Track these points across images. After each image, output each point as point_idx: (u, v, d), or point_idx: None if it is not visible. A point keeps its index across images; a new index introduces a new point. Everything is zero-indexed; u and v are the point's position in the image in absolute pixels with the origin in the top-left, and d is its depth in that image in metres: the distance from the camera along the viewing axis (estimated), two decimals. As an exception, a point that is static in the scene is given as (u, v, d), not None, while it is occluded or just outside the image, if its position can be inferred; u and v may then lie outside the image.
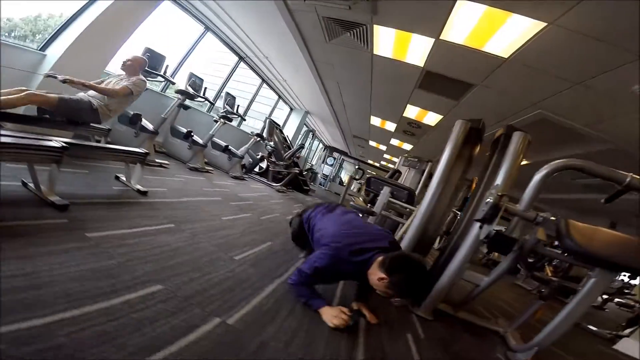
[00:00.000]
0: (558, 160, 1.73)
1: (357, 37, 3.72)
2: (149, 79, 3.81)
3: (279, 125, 6.57)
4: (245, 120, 6.16)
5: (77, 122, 2.69)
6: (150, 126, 3.61)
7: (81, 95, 2.71)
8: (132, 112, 3.55)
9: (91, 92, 2.75)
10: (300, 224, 2.12)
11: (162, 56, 3.93)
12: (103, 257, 1.33)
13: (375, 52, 3.89)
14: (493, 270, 2.09)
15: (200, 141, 4.41)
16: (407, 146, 8.39)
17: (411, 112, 5.43)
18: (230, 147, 5.11)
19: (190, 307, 1.24)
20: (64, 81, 2.56)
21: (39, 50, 3.24)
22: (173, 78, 4.83)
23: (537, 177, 1.78)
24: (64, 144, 1.74)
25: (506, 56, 2.90)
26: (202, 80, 4.74)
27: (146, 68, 3.52)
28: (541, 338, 1.81)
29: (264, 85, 7.65)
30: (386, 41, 3.55)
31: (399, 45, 3.51)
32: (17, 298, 0.93)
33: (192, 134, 4.35)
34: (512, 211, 1.75)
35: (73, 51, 3.21)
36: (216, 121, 4.92)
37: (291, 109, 9.59)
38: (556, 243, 1.89)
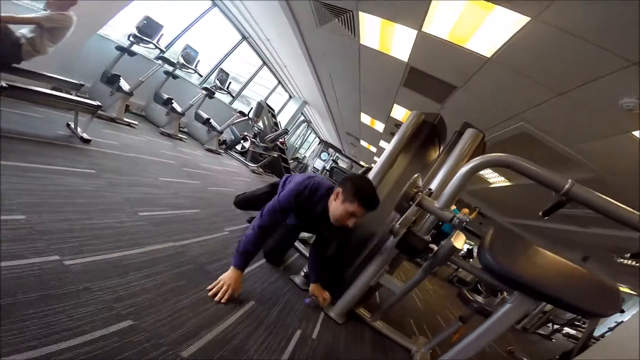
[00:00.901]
0: (485, 156, 1.56)
1: (345, 24, 3.62)
2: (141, 44, 3.85)
3: (272, 110, 6.48)
4: (234, 98, 6.10)
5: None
6: (127, 87, 3.62)
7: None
8: (111, 72, 3.62)
9: (27, 28, 2.40)
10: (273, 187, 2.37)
11: (159, 25, 3.94)
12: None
13: (362, 42, 3.79)
14: (410, 279, 1.94)
15: (179, 109, 4.36)
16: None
17: (398, 112, 5.29)
18: (212, 120, 5.06)
19: (38, 241, 1.17)
20: None
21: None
22: (168, 47, 4.83)
23: (460, 173, 1.61)
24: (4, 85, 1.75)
25: (489, 55, 2.73)
26: (197, 52, 4.75)
27: (138, 34, 3.63)
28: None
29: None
30: (372, 30, 3.46)
31: (384, 36, 3.42)
32: None
33: (172, 101, 4.32)
34: (427, 207, 1.59)
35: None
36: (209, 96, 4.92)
37: (290, 97, 9.52)
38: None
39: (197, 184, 3.02)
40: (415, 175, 1.64)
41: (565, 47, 2.21)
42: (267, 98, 8.25)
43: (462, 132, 2.16)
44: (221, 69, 5.43)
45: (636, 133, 2.62)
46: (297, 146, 12.13)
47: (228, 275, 1.50)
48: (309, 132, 13.29)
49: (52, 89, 2.70)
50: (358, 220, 1.61)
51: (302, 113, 10.47)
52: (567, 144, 3.26)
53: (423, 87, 3.90)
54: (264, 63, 7.38)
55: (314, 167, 9.84)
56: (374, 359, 1.79)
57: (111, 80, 3.62)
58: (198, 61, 4.76)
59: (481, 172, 4.18)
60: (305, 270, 2.10)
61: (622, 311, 4.72)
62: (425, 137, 2.38)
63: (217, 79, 5.20)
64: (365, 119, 6.94)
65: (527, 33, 2.29)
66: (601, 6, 1.80)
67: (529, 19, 2.18)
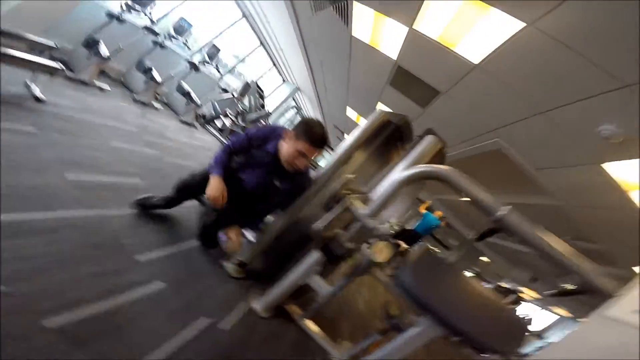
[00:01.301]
0: (422, 166, 1.50)
1: (338, 13, 3.52)
2: (132, 12, 3.78)
3: (261, 91, 6.37)
4: (221, 74, 5.97)
5: None
6: (105, 53, 3.53)
7: None
8: (92, 37, 3.53)
9: None
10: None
11: None
12: None
13: (353, 33, 3.69)
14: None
15: (158, 79, 4.26)
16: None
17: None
18: (192, 93, 4.94)
19: None
20: None
21: None
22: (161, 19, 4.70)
23: (393, 180, 1.54)
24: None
25: (477, 61, 2.63)
26: (190, 25, 4.69)
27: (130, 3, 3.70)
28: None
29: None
30: (364, 22, 3.37)
31: (376, 29, 3.33)
32: None
33: (151, 69, 4.20)
34: (353, 211, 1.52)
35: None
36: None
37: (283, 80, 9.44)
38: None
39: (153, 153, 2.94)
40: (351, 176, 1.58)
41: (557, 60, 2.08)
42: (259, 79, 8.12)
43: (422, 136, 2.10)
44: (213, 45, 5.31)
45: (605, 165, 2.57)
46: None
47: (215, 185, 1.66)
48: (297, 118, 13.06)
49: (28, 48, 2.66)
50: (307, 162, 1.69)
51: (293, 98, 10.31)
52: (536, 167, 3.22)
53: (408, 88, 3.82)
54: (261, 43, 7.26)
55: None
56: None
57: (90, 44, 3.54)
58: (190, 34, 4.68)
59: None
60: (239, 258, 2.00)
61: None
62: (387, 139, 2.30)
63: (207, 53, 5.09)
64: (351, 113, 6.83)
65: (520, 40, 2.16)
66: (604, 18, 1.68)
67: (524, 24, 2.04)
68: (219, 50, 5.36)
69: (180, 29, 4.69)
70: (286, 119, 11.79)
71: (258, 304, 1.82)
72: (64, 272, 1.19)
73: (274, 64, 8.37)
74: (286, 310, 1.93)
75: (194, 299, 1.55)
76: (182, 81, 4.82)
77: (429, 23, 2.69)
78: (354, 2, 3.14)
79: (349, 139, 2.22)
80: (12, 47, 2.29)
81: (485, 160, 3.69)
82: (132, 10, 3.89)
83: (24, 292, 1.03)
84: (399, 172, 1.84)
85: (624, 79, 1.85)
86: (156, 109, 4.45)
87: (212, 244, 1.96)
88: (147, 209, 1.88)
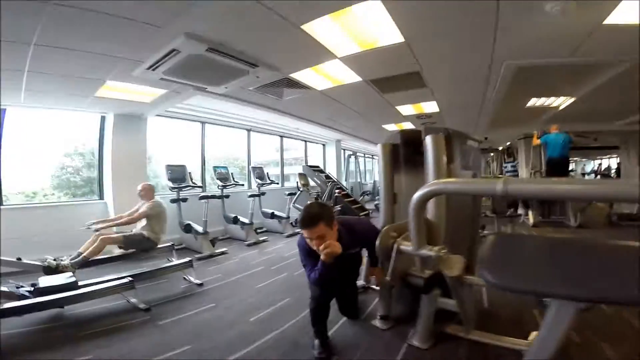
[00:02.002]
0: (424, 190, 1.50)
1: (294, 87, 4.18)
2: (182, 188, 4.94)
3: (317, 167, 7.18)
4: (277, 184, 7.04)
5: (142, 250, 3.68)
6: (199, 229, 4.70)
7: (136, 229, 3.73)
8: (184, 222, 4.79)
9: (139, 225, 3.73)
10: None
11: (181, 167, 5.03)
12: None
13: (319, 89, 4.26)
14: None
15: (246, 220, 5.40)
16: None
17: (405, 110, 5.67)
18: (275, 212, 6.01)
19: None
20: (96, 230, 3.44)
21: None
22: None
23: (411, 208, 1.58)
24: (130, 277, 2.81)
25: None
26: (226, 168, 5.80)
27: (170, 182, 4.79)
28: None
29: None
30: (316, 79, 3.90)
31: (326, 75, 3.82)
32: None
33: (238, 218, 5.38)
34: (405, 252, 1.83)
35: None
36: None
37: (323, 145, 10.26)
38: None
39: (284, 276, 3.73)
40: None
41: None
42: (306, 162, 9.23)
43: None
44: (253, 168, 6.40)
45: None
46: (359, 181, 12.19)
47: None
48: (358, 163, 12.96)
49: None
50: (320, 242, 1.82)
51: (343, 150, 10.94)
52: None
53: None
54: (281, 137, 8.53)
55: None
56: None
57: (187, 229, 4.79)
58: (231, 173, 5.79)
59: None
60: (379, 314, 2.40)
61: None
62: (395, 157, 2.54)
63: (257, 178, 6.19)
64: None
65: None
66: None
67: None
68: (262, 167, 6.41)
69: (223, 176, 5.61)
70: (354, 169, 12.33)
71: (414, 340, 2.06)
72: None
73: (305, 141, 9.48)
74: (447, 335, 2.08)
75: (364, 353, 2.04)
76: (262, 209, 5.94)
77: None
78: (294, 74, 3.69)
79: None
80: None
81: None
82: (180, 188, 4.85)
83: None
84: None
85: None
86: (265, 240, 5.50)
87: (352, 314, 2.46)
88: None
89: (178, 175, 4.93)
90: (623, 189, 1.03)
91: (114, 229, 3.79)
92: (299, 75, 3.68)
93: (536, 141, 6.47)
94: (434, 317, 2.02)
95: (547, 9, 2.16)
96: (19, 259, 3.01)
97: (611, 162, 14.68)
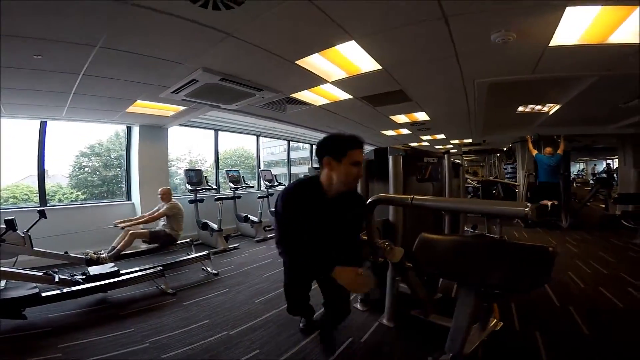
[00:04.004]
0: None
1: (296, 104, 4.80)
2: (200, 191, 5.64)
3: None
4: (285, 185, 7.63)
5: (163, 244, 4.30)
6: (215, 226, 5.36)
7: (159, 227, 4.40)
8: (202, 221, 5.44)
9: (161, 223, 4.39)
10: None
11: (198, 171, 5.75)
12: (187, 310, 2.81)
13: (318, 104, 4.78)
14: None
15: (255, 219, 6.02)
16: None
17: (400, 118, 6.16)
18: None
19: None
20: (122, 228, 4.15)
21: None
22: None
23: None
24: (161, 267, 3.45)
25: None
26: (237, 171, 6.48)
27: (188, 185, 5.44)
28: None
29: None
30: (312, 97, 4.40)
31: (322, 93, 4.30)
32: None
33: (248, 217, 6.01)
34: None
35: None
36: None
37: None
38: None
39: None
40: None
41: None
42: (312, 164, 9.83)
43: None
44: (262, 170, 7.07)
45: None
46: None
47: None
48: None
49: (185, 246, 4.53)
50: (360, 170, 1.69)
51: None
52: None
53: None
54: (288, 141, 9.22)
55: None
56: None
57: (204, 227, 5.48)
58: (243, 177, 6.46)
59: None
60: (360, 298, 2.94)
61: None
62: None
63: (265, 180, 6.81)
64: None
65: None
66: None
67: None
68: (269, 170, 7.04)
69: (235, 179, 6.38)
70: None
71: (384, 320, 2.59)
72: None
73: (311, 144, 10.14)
74: (412, 317, 2.52)
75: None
76: (269, 209, 6.56)
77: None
78: (294, 95, 4.45)
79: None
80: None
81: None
82: (197, 190, 5.62)
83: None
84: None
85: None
86: (273, 237, 6.08)
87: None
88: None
89: (195, 178, 5.59)
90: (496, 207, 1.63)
91: (141, 225, 4.45)
92: (299, 95, 4.20)
93: (531, 146, 6.83)
94: (403, 302, 2.56)
95: (492, 39, 2.57)
96: (66, 252, 3.66)
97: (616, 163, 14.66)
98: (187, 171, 5.60)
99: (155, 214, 4.39)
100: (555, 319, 2.60)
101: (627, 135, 7.37)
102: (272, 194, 6.77)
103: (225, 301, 3.17)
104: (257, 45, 2.63)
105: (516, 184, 8.37)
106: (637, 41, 2.50)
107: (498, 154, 13.65)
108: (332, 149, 1.66)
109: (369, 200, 2.12)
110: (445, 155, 3.10)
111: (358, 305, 2.91)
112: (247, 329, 2.57)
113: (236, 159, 10.15)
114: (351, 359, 2.15)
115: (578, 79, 3.92)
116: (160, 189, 4.56)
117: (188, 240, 4.62)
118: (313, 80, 3.56)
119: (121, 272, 3.32)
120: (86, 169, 6.26)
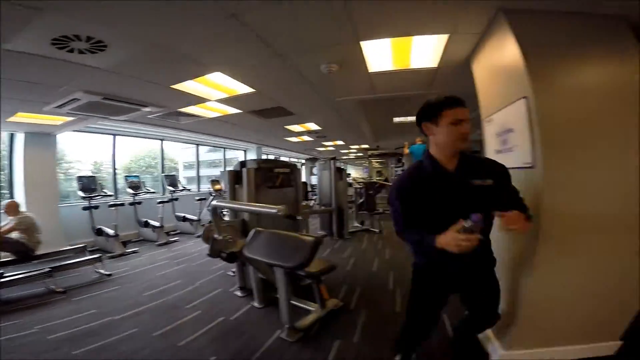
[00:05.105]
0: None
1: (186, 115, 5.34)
2: (93, 198, 5.70)
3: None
4: (189, 190, 8.03)
5: (17, 253, 4.17)
6: (111, 232, 5.56)
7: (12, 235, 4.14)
8: (96, 227, 5.61)
9: (16, 235, 4.14)
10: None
11: (91, 178, 5.85)
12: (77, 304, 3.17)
13: (209, 117, 5.38)
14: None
15: (157, 224, 6.32)
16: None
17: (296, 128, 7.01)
18: (186, 215, 6.99)
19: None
20: None
21: None
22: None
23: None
24: (49, 268, 3.72)
25: None
26: (138, 177, 6.68)
27: (81, 192, 5.49)
28: None
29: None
30: (200, 111, 5.03)
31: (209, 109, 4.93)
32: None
33: (148, 222, 6.29)
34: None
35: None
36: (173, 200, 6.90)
37: (244, 151, 11.18)
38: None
39: (182, 266, 4.83)
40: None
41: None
42: (224, 167, 10.24)
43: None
44: (165, 176, 7.38)
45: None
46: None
47: (445, 241, 1.32)
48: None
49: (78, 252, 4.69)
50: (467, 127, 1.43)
51: (266, 155, 11.84)
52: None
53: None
54: (197, 145, 9.50)
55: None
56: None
57: (99, 232, 5.65)
58: (143, 182, 6.68)
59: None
60: (238, 285, 3.73)
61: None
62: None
63: (169, 185, 7.11)
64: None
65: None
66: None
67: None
68: (173, 175, 7.41)
69: (135, 184, 6.51)
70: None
71: (255, 302, 3.52)
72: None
73: (224, 148, 10.52)
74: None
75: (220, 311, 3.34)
76: (177, 212, 6.86)
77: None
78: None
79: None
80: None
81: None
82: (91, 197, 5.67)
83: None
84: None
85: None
86: (176, 241, 6.54)
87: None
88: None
89: (89, 185, 5.70)
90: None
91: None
92: (186, 110, 4.69)
93: (406, 151, 8.31)
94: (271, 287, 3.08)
95: (321, 70, 3.16)
96: None
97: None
98: (79, 177, 5.65)
99: (2, 230, 4.11)
100: (384, 300, 3.24)
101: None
102: (177, 199, 7.10)
103: (115, 295, 3.63)
104: (131, 76, 3.16)
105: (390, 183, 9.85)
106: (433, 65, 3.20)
107: (393, 157, 15.58)
108: (425, 113, 1.50)
109: (212, 204, 2.93)
110: (331, 161, 3.86)
111: (237, 292, 3.54)
112: (132, 314, 3.10)
113: (150, 161, 10.10)
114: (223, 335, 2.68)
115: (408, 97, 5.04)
116: (4, 203, 4.39)
117: (81, 246, 4.82)
118: (194, 99, 4.13)
119: (5, 274, 3.51)
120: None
